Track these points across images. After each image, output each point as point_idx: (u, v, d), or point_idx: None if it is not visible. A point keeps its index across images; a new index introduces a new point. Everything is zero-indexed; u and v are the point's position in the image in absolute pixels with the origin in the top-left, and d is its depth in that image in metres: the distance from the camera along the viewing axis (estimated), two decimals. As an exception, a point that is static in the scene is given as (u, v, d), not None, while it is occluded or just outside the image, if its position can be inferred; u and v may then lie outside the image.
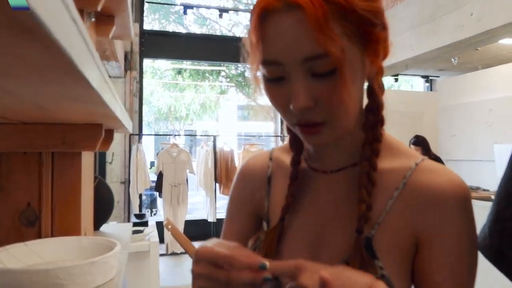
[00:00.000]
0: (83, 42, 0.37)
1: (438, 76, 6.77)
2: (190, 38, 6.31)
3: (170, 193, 4.92)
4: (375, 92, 0.58)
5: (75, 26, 0.32)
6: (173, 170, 4.91)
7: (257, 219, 0.67)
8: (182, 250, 1.52)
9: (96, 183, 1.43)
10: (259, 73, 0.54)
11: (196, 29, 10.28)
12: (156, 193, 5.74)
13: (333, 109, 0.51)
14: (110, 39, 2.82)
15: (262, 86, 0.54)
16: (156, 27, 9.89)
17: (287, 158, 0.66)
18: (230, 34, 10.07)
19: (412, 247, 0.55)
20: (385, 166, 0.58)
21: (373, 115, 0.58)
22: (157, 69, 13.67)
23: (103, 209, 1.41)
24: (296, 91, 0.50)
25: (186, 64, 11.18)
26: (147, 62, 11.05)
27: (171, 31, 9.24)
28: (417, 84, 7.69)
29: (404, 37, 3.92)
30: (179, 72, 12.59)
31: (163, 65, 12.97)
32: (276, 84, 0.52)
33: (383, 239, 0.54)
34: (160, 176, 4.91)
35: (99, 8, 1.13)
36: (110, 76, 5.00)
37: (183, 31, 9.87)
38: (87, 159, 1.20)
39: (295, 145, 0.63)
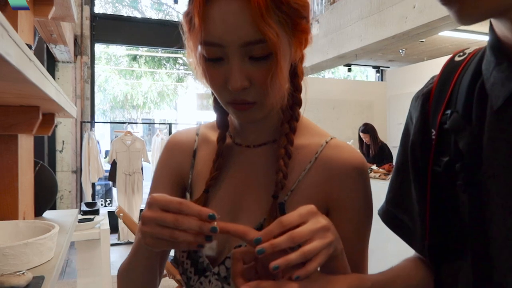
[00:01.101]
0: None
1: (388, 67, 7.07)
2: (145, 23, 6.12)
3: (124, 182, 4.84)
4: (297, 77, 0.64)
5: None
6: (127, 159, 4.82)
7: (180, 190, 0.71)
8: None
9: (37, 168, 1.40)
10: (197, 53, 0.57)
11: (152, 14, 10.01)
12: (111, 183, 5.62)
13: (266, 90, 0.56)
14: (56, 22, 2.71)
15: (200, 65, 0.58)
16: (109, 11, 9.53)
17: (213, 135, 0.70)
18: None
19: (322, 211, 0.61)
20: (300, 142, 0.65)
21: (293, 97, 0.64)
22: (111, 55, 13.19)
23: (45, 195, 1.39)
24: (234, 72, 0.54)
25: (142, 51, 10.87)
26: (100, 47, 10.61)
27: (125, 15, 8.94)
28: (371, 74, 7.96)
29: (354, 28, 4.05)
30: (134, 58, 12.22)
31: (118, 51, 12.54)
32: (214, 64, 0.56)
33: (295, 204, 0.60)
34: (113, 165, 4.81)
35: (34, -12, 1.11)
36: (58, 61, 4.80)
37: (139, 16, 9.58)
38: (25, 143, 1.18)
39: (222, 123, 0.68)
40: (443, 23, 2.92)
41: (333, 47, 4.53)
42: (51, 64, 4.75)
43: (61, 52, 4.28)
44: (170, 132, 5.18)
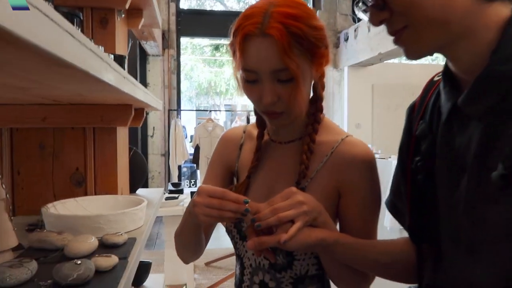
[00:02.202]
0: (99, 59, 0.58)
1: None
2: (226, 15, 6.46)
3: (206, 165, 5.24)
4: (318, 90, 0.81)
5: (93, 54, 0.53)
6: (209, 144, 5.20)
7: (229, 174, 0.91)
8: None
9: (131, 153, 1.69)
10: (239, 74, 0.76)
11: (234, 5, 10.40)
12: (195, 165, 6.10)
13: (290, 104, 0.73)
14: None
15: (241, 84, 0.77)
16: (193, 3, 10.10)
17: (255, 133, 0.88)
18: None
19: (335, 196, 0.77)
20: (321, 139, 0.81)
21: (315, 105, 0.81)
22: (196, 45, 13.94)
23: (137, 176, 1.68)
24: (266, 91, 0.72)
25: (224, 40, 11.30)
26: (185, 39, 11.29)
27: (208, 8, 9.39)
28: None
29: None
30: (217, 48, 12.78)
31: (203, 41, 13.19)
32: (251, 84, 0.74)
33: (313, 189, 0.76)
34: (197, 149, 5.23)
35: (127, 6, 1.35)
36: (148, 55, 5.30)
37: (221, 7, 10.01)
38: (122, 133, 1.45)
39: (260, 124, 0.86)
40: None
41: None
42: (143, 58, 5.28)
43: (151, 47, 4.74)
44: (248, 119, 5.45)
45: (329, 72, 6.21)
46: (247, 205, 0.66)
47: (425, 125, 0.64)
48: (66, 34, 0.42)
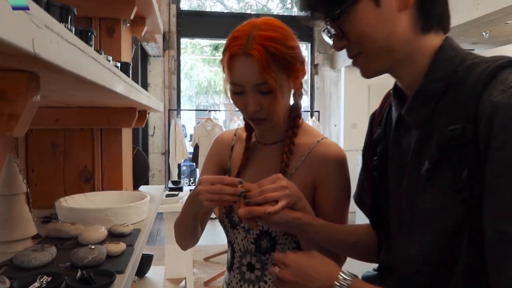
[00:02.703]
0: (112, 74, 0.69)
1: (473, 50, 6.64)
2: (225, 16, 6.57)
3: (205, 164, 5.36)
4: (296, 98, 0.94)
5: (109, 71, 0.65)
6: (208, 143, 5.32)
7: (221, 173, 1.03)
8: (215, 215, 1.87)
9: (134, 152, 1.80)
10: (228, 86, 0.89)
11: (234, 4, 10.52)
12: (194, 164, 6.22)
13: (270, 112, 0.86)
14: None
15: (229, 94, 0.89)
16: (194, 3, 10.22)
17: (244, 135, 1.00)
18: (265, 9, 10.19)
19: (312, 190, 0.90)
20: (299, 141, 0.93)
21: (294, 111, 0.94)
22: (196, 45, 14.04)
23: (140, 173, 1.79)
24: (250, 102, 0.85)
25: (224, 40, 11.41)
26: (185, 40, 11.41)
27: (207, 9, 9.49)
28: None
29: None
30: (216, 48, 12.90)
31: (203, 41, 13.30)
32: (238, 95, 0.87)
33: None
34: (196, 148, 5.35)
35: (132, 17, 1.46)
36: (149, 56, 5.40)
37: (220, 7, 10.12)
38: (127, 134, 1.57)
39: (248, 128, 0.99)
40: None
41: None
42: (144, 59, 5.39)
43: (152, 48, 4.85)
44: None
45: (326, 73, 6.32)
46: (240, 185, 0.79)
47: (380, 130, 0.77)
48: (91, 59, 0.53)
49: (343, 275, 0.66)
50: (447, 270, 0.59)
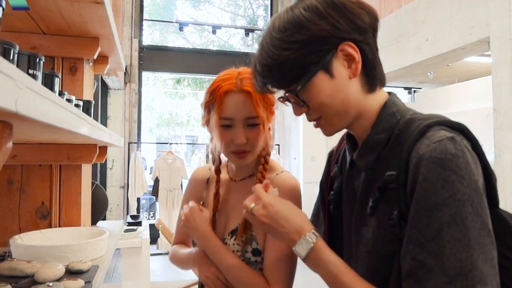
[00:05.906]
0: (78, 118, 0.74)
1: (420, 88, 7.15)
2: (188, 52, 6.69)
3: (166, 197, 5.30)
4: (266, 137, 1.02)
5: (76, 116, 0.70)
6: (169, 176, 5.29)
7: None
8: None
9: (93, 187, 1.80)
10: (213, 120, 0.98)
11: (196, 39, 10.74)
12: (154, 197, 6.12)
13: (254, 144, 0.96)
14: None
15: (216, 128, 0.97)
16: (156, 37, 10.32)
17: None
18: (227, 45, 10.49)
19: None
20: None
21: (266, 149, 1.03)
22: (158, 77, 14.09)
23: (99, 208, 1.78)
24: (239, 134, 0.94)
25: (185, 74, 11.59)
26: (147, 73, 11.45)
27: (170, 44, 9.63)
28: (403, 95, 8.06)
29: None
30: (178, 81, 13.02)
31: (164, 74, 13.39)
32: (226, 128, 0.95)
33: None
34: (156, 181, 5.29)
35: (95, 57, 1.52)
36: (110, 88, 5.38)
37: (183, 41, 10.30)
38: (86, 170, 1.58)
39: (217, 170, 1.08)
40: (453, 54, 3.12)
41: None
42: (104, 91, 5.36)
43: (113, 81, 4.85)
44: (207, 152, 5.60)
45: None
46: None
47: (337, 169, 0.87)
48: (61, 108, 0.58)
49: (312, 233, 0.72)
50: None
